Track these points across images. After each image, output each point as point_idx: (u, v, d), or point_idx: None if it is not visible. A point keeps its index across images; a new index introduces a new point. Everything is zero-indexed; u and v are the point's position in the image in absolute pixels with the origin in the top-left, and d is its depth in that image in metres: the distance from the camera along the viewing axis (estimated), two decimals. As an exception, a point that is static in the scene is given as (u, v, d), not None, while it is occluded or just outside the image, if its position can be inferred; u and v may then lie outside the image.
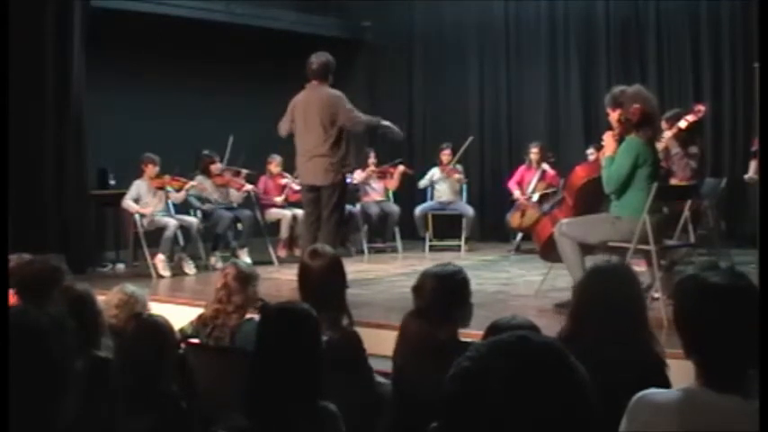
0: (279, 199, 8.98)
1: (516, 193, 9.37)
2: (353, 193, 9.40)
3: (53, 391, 1.72)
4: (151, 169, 8.06)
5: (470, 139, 9.76)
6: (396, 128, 6.80)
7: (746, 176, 7.70)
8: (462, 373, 1.08)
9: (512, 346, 1.09)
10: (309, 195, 6.56)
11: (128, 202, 7.96)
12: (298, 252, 8.10)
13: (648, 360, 2.73)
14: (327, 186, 6.40)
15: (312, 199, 6.53)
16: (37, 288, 3.36)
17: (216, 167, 8.55)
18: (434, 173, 9.73)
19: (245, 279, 3.96)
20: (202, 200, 8.50)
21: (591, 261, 5.46)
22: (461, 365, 1.09)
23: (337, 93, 6.45)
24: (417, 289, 3.17)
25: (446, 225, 9.69)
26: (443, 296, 3.11)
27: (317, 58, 6.46)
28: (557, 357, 1.08)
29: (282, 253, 8.64)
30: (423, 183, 9.78)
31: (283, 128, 6.69)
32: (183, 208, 8.39)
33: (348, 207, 9.08)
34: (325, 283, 3.44)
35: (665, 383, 2.63)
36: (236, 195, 8.71)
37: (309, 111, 6.40)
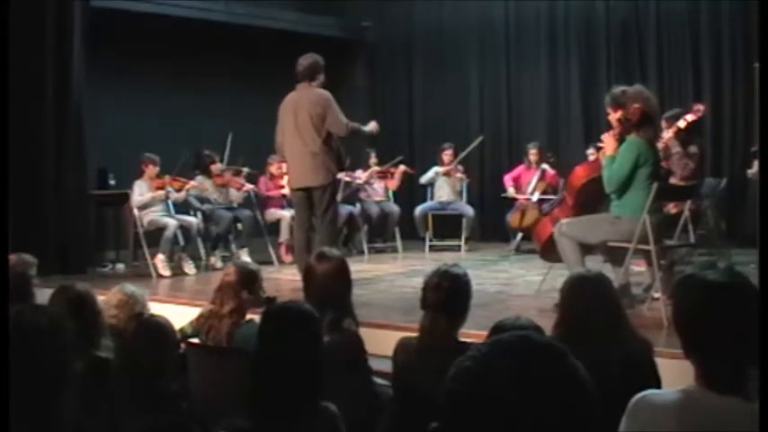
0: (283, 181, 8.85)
1: (510, 191, 9.37)
2: (354, 193, 9.40)
3: (52, 390, 1.72)
4: (151, 169, 8.06)
5: (480, 138, 9.76)
6: (369, 129, 6.69)
7: (750, 171, 7.62)
8: (464, 373, 1.07)
9: (514, 345, 1.09)
10: (301, 196, 6.50)
11: (138, 199, 7.96)
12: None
13: (635, 349, 2.93)
14: (318, 187, 6.37)
15: (303, 200, 6.47)
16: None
17: (216, 167, 8.55)
18: (435, 171, 9.71)
19: (243, 282, 3.93)
20: (202, 200, 8.49)
21: (591, 261, 5.47)
22: (463, 364, 1.08)
23: (326, 94, 6.43)
24: (432, 288, 3.16)
25: (446, 225, 9.68)
26: (458, 295, 3.15)
27: (305, 60, 6.46)
28: (559, 357, 1.08)
29: (288, 258, 8.40)
30: (424, 178, 9.72)
31: (280, 141, 6.59)
32: (182, 208, 8.39)
33: (348, 207, 9.09)
34: (330, 286, 3.43)
35: (653, 367, 2.89)
36: (236, 195, 8.71)
37: (300, 111, 6.37)
